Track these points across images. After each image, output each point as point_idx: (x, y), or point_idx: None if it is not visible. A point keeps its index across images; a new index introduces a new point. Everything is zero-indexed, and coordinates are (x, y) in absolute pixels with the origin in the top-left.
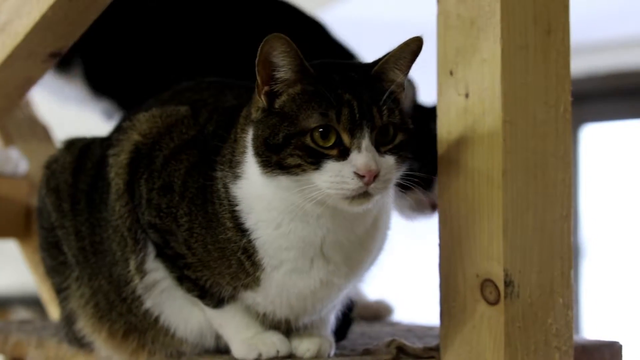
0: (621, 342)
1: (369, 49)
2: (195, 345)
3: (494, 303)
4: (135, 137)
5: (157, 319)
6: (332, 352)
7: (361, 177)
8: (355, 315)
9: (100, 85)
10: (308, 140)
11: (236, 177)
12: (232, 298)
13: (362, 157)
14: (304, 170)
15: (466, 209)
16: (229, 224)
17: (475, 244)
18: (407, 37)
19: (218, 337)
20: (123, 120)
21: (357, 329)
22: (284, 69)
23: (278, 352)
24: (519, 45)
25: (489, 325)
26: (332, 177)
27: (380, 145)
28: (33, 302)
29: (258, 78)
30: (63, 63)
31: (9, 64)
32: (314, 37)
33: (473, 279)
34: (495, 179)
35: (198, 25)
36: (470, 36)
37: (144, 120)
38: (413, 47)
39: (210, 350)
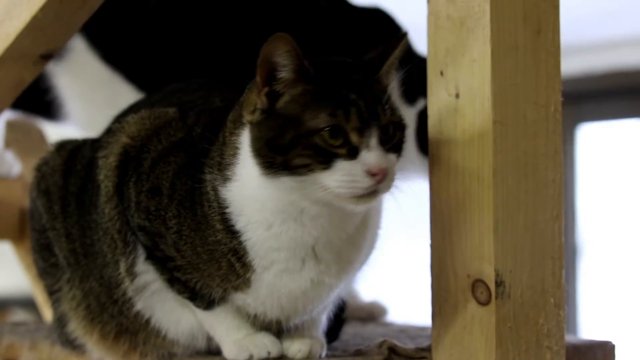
0: (614, 342)
1: None
2: (186, 346)
3: (485, 303)
4: (123, 139)
5: (148, 321)
6: (324, 353)
7: (372, 175)
8: (349, 316)
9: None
10: (317, 140)
11: (226, 179)
12: (223, 300)
13: (373, 155)
14: (311, 170)
15: (457, 209)
16: (218, 226)
17: (466, 244)
18: None
19: (209, 339)
20: (113, 122)
21: (350, 330)
22: (285, 69)
23: (269, 353)
24: (508, 45)
25: (481, 325)
26: (343, 177)
27: (383, 144)
28: (31, 304)
29: (258, 78)
30: None
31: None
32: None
33: (464, 280)
34: (485, 179)
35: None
36: (460, 36)
37: (133, 123)
38: (404, 46)
39: (201, 352)
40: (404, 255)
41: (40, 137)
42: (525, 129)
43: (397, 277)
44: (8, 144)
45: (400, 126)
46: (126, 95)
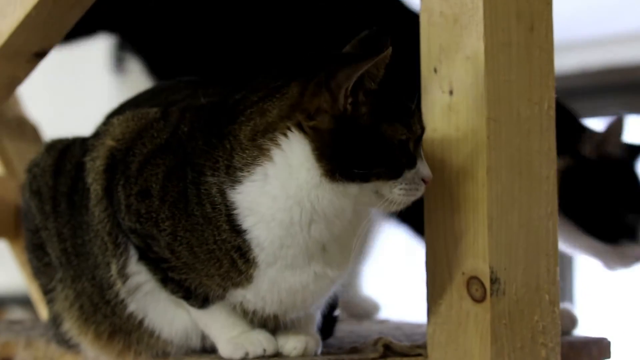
0: (610, 339)
1: None
2: (180, 346)
3: (480, 300)
4: (109, 142)
5: (141, 322)
6: (319, 350)
7: (425, 182)
8: (342, 313)
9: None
10: (393, 150)
11: (235, 182)
12: (219, 297)
13: (425, 164)
14: (384, 179)
15: (451, 207)
16: (224, 227)
17: (461, 242)
18: None
19: (204, 338)
20: (102, 123)
21: (345, 327)
22: (376, 80)
23: (265, 350)
24: (502, 42)
25: (475, 322)
26: (407, 185)
27: None
28: (27, 302)
29: (350, 85)
30: None
31: None
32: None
33: (459, 277)
34: (479, 176)
35: None
36: (453, 33)
37: (117, 125)
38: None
39: (196, 351)
40: (399, 253)
41: (35, 135)
42: (519, 126)
43: (392, 275)
44: None
45: None
46: None
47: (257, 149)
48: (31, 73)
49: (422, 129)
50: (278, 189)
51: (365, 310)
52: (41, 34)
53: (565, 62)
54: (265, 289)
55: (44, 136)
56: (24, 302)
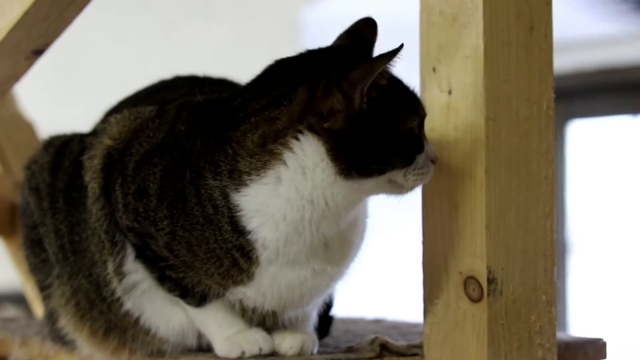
0: (606, 339)
1: None
2: (177, 344)
3: (477, 300)
4: (106, 141)
5: (137, 319)
6: (315, 350)
7: (433, 163)
8: None
9: None
10: (408, 139)
11: (240, 185)
12: (218, 295)
13: (430, 145)
14: (400, 168)
15: (449, 206)
16: (226, 227)
17: (458, 241)
18: (390, 33)
19: (200, 336)
20: (100, 121)
21: (342, 326)
22: (386, 75)
23: (261, 349)
24: (501, 41)
25: (472, 322)
26: (419, 169)
27: None
28: (22, 300)
29: (366, 85)
30: None
31: None
32: None
33: (456, 276)
34: (478, 176)
35: None
36: (452, 33)
37: (114, 124)
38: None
39: (192, 349)
40: (396, 252)
41: (31, 132)
42: (518, 125)
43: (389, 274)
44: None
45: None
46: None
47: (268, 154)
48: (29, 70)
49: (424, 110)
50: (292, 191)
51: None
52: (40, 32)
53: (559, 62)
54: (266, 284)
55: (41, 134)
56: (19, 300)
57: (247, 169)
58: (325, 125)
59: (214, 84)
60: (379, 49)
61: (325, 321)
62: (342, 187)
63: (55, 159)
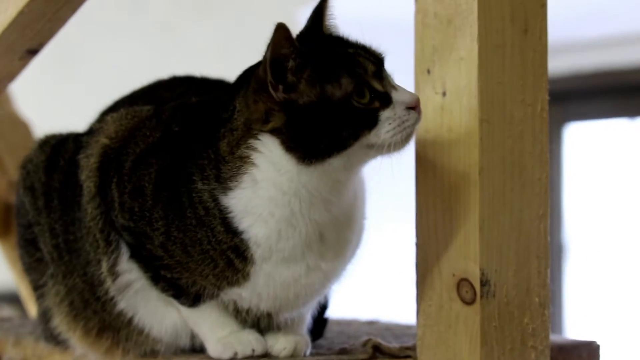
0: (602, 342)
1: None
2: (170, 344)
3: (470, 302)
4: (103, 140)
5: (131, 319)
6: (308, 351)
7: (413, 108)
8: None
9: None
10: (354, 104)
11: (227, 189)
12: (212, 296)
13: (403, 91)
14: (360, 136)
15: (443, 208)
16: (219, 229)
17: (452, 243)
18: (385, 35)
19: (193, 337)
20: (97, 119)
21: (335, 328)
22: (292, 57)
23: (254, 350)
24: (496, 44)
25: (465, 324)
26: (392, 124)
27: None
28: (16, 300)
29: (270, 78)
30: None
31: None
32: None
33: (449, 278)
34: (471, 178)
35: None
36: (447, 34)
37: (111, 122)
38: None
39: (185, 350)
40: (390, 253)
41: (27, 132)
42: (512, 127)
43: (383, 275)
44: None
45: None
46: None
47: (239, 159)
48: (24, 70)
49: (377, 59)
50: (271, 189)
51: None
52: (34, 32)
53: (555, 64)
54: (261, 284)
55: (37, 134)
56: (13, 299)
57: (227, 175)
58: (269, 126)
59: (211, 84)
60: (381, 50)
61: (319, 323)
62: (311, 174)
63: (50, 158)
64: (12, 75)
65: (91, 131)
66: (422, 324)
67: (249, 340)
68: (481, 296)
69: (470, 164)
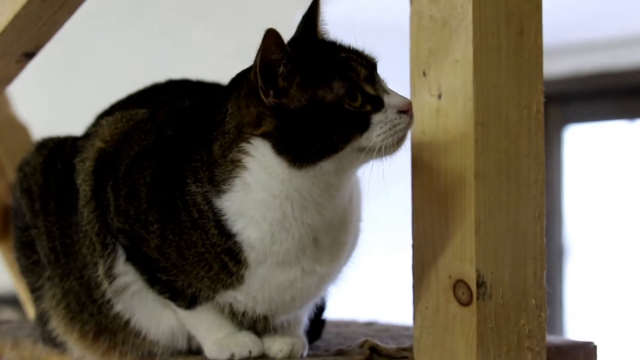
0: (602, 342)
1: None
2: (167, 346)
3: (466, 304)
4: (98, 144)
5: (127, 322)
6: (305, 353)
7: (405, 112)
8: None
9: None
10: (345, 108)
11: (220, 191)
12: (207, 299)
13: (395, 95)
14: (351, 140)
15: (439, 210)
16: (213, 231)
17: (448, 245)
18: (381, 38)
19: (190, 339)
20: (93, 124)
21: (333, 329)
22: (283, 62)
23: (250, 352)
24: (491, 46)
25: (462, 326)
26: (383, 127)
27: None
28: (15, 302)
29: (261, 83)
30: None
31: None
32: None
33: (445, 280)
34: (467, 180)
35: None
36: (442, 37)
37: (106, 126)
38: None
39: (182, 352)
40: (387, 256)
41: (26, 135)
42: (508, 129)
43: (380, 277)
44: None
45: None
46: None
47: (230, 163)
48: (20, 73)
49: (370, 63)
50: (262, 192)
51: None
52: (30, 35)
53: (555, 67)
54: (257, 287)
55: (35, 137)
56: (12, 302)
57: (220, 178)
58: (261, 130)
59: (207, 88)
60: (377, 52)
61: (317, 324)
62: (302, 177)
63: (47, 161)
64: (9, 78)
65: (87, 135)
66: (418, 326)
67: (246, 342)
68: (477, 298)
69: (466, 166)
